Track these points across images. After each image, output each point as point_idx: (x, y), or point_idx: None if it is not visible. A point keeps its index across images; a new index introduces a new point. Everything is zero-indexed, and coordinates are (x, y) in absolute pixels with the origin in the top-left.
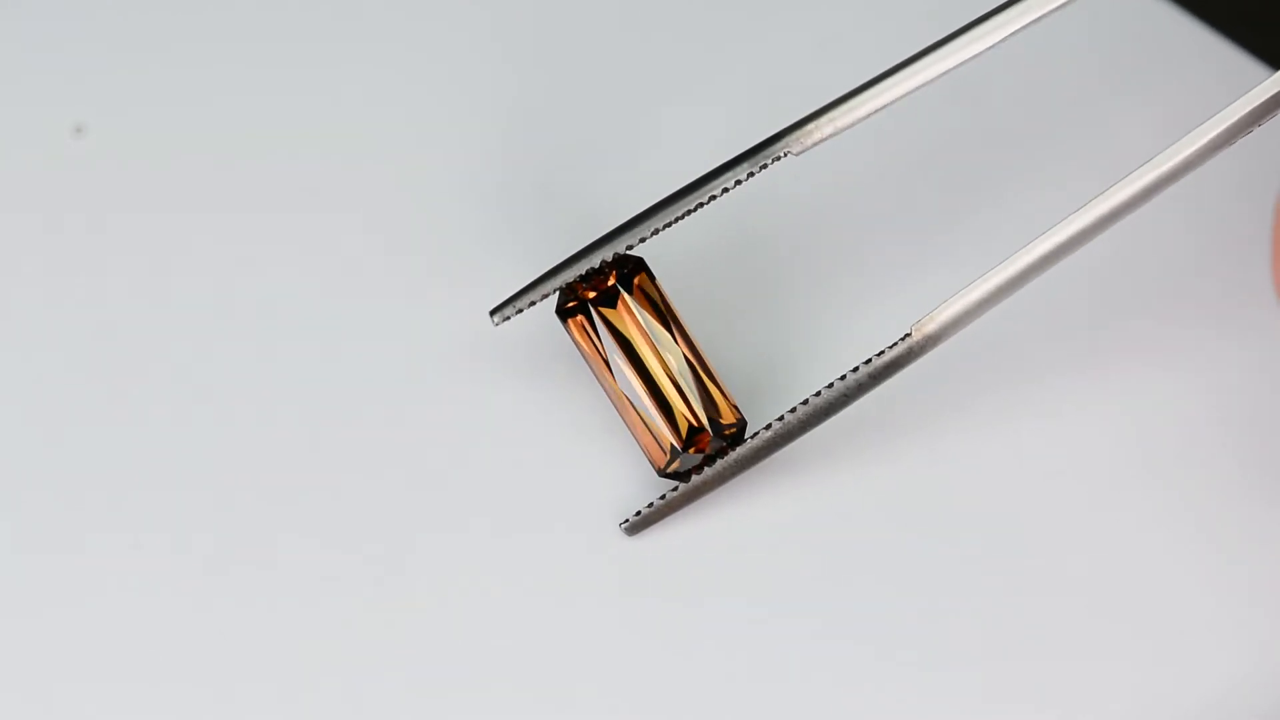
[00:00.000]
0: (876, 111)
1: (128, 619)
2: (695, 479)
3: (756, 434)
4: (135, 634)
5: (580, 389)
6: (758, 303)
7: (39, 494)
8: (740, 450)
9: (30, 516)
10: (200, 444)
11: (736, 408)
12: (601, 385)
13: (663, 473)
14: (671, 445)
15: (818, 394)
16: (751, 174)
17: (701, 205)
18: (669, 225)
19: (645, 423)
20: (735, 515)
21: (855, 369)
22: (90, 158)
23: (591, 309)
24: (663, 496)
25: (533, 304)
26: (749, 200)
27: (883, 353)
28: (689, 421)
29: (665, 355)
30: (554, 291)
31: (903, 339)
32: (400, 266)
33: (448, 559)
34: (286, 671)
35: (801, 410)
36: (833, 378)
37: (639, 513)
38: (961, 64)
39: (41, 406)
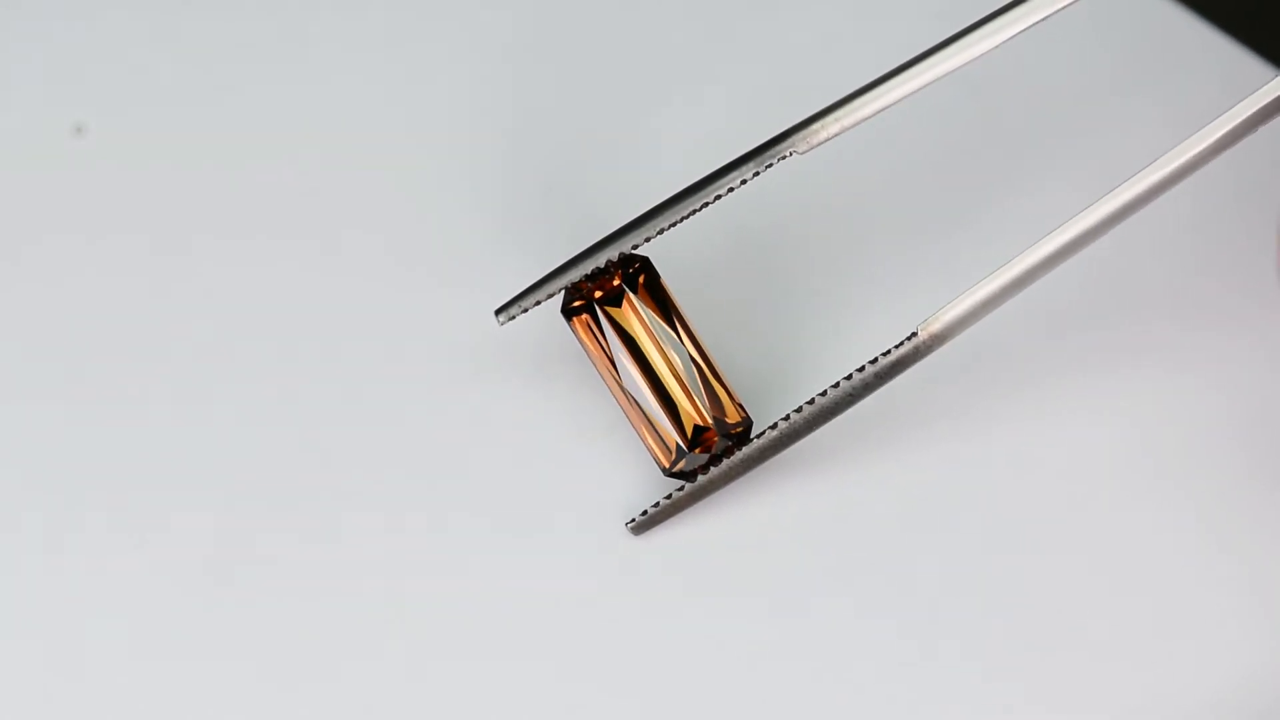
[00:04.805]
0: (881, 111)
1: (132, 619)
2: (701, 478)
3: (762, 433)
4: (139, 635)
5: (586, 388)
6: (763, 302)
7: (40, 495)
8: (746, 450)
9: (33, 518)
10: (204, 445)
11: (742, 407)
12: (607, 385)
13: (668, 472)
14: (677, 445)
15: (823, 393)
16: (757, 173)
17: (707, 205)
18: (674, 225)
19: (651, 422)
20: (741, 514)
21: (861, 368)
22: (90, 158)
23: (597, 308)
24: (669, 496)
25: (538, 303)
26: (754, 200)
27: (888, 352)
28: (695, 421)
29: (671, 355)
30: (559, 291)
31: (908, 338)
32: (405, 267)
33: (454, 558)
34: (290, 670)
35: (807, 410)
36: (838, 377)
37: (645, 512)
38: (966, 63)
39: (43, 406)
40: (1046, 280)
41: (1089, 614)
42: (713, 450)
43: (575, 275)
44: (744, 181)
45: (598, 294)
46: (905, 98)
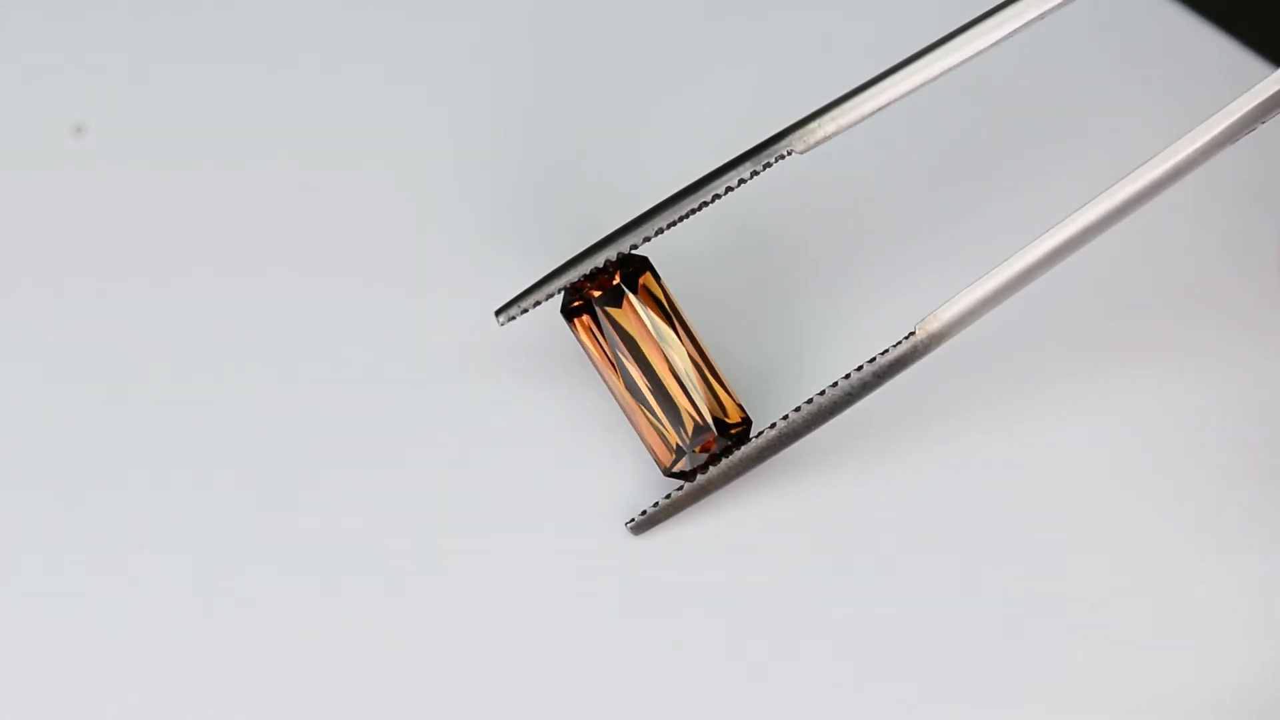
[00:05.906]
0: (879, 109)
1: (131, 619)
2: (701, 478)
3: (761, 433)
4: (139, 634)
5: (585, 388)
6: (762, 301)
7: (39, 495)
8: (745, 449)
9: (32, 518)
10: (204, 445)
11: (742, 406)
12: (607, 384)
13: (668, 472)
14: (677, 444)
15: (822, 393)
16: (755, 173)
17: (705, 204)
18: (673, 225)
19: (651, 422)
20: (740, 514)
21: (860, 368)
22: (90, 158)
23: (597, 308)
24: (668, 496)
25: (538, 304)
26: (753, 199)
27: (887, 351)
28: (694, 420)
29: (670, 354)
30: (559, 291)
31: (907, 337)
32: (405, 267)
33: (454, 558)
34: (290, 670)
35: (806, 409)
36: (837, 376)
37: (645, 512)
38: (964, 61)
39: (42, 406)
40: (1045, 279)
41: (1089, 614)
42: (713, 450)
43: (575, 275)
44: (742, 181)
45: (597, 294)
46: (903, 96)
